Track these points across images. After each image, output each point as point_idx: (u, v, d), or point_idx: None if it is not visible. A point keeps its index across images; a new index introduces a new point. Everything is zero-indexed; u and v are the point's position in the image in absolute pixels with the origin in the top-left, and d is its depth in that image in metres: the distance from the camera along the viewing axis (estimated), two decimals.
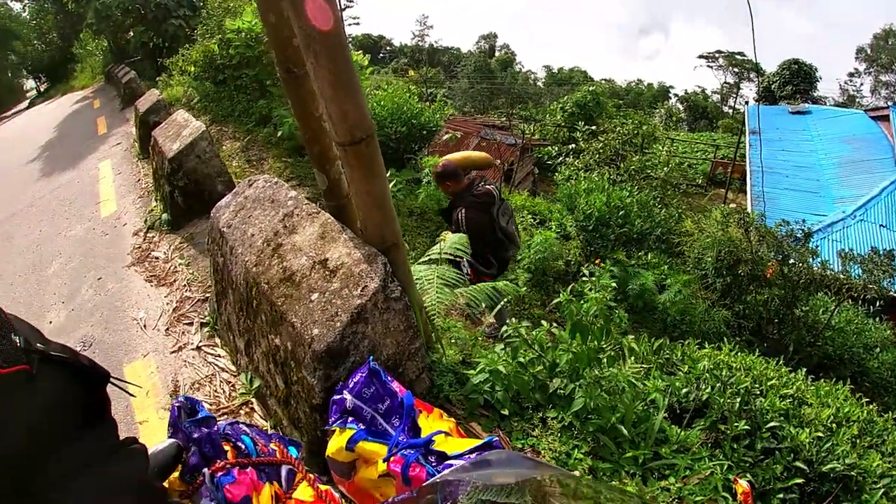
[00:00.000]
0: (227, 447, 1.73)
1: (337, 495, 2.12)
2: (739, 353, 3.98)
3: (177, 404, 1.77)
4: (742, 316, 7.31)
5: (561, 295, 2.73)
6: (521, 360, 2.79)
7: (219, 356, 3.53)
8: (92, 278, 5.16)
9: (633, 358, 3.33)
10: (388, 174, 2.57)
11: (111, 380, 0.84)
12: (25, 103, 29.65)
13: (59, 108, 17.17)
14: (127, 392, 1.42)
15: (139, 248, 5.39)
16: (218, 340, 3.68)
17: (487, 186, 3.97)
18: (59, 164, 9.78)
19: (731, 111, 48.85)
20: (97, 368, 0.79)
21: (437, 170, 4.06)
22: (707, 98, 52.34)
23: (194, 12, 13.95)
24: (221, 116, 8.72)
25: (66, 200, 7.66)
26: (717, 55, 54.21)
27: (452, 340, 3.07)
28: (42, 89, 32.17)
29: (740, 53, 52.57)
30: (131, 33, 15.01)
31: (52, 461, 0.69)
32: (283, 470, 1.77)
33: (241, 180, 5.15)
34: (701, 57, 55.18)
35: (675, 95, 54.48)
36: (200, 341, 3.74)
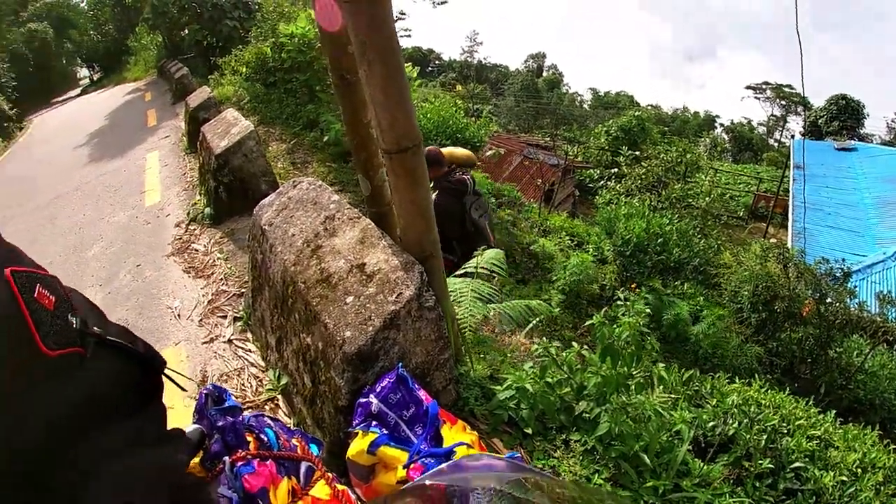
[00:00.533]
0: (249, 438, 1.75)
1: (353, 497, 2.13)
2: (769, 391, 3.89)
3: (204, 391, 1.79)
4: (775, 353, 7.11)
5: (594, 317, 2.70)
6: (549, 379, 2.77)
7: (249, 351, 3.58)
8: (131, 264, 5.31)
9: (661, 387, 3.28)
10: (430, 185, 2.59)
11: (165, 370, 0.84)
12: (77, 90, 30.79)
13: (111, 98, 17.78)
14: (178, 385, 1.44)
15: (180, 239, 5.54)
16: (250, 335, 3.74)
17: (463, 176, 3.90)
18: (107, 151, 10.11)
19: (776, 144, 47.87)
20: (154, 355, 0.78)
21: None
22: (753, 130, 51.42)
23: (249, 15, 14.29)
24: (270, 118, 8.91)
25: (111, 187, 7.92)
26: (764, 86, 53.25)
27: (481, 355, 3.07)
28: (95, 78, 33.37)
29: (788, 86, 51.58)
30: (186, 31, 15.48)
31: (86, 449, 0.68)
32: (303, 466, 1.78)
33: (284, 181, 5.26)
34: (748, 87, 54.24)
35: (721, 125, 53.74)
36: (232, 334, 3.81)
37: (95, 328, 0.72)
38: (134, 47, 24.28)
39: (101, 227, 6.53)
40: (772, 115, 53.21)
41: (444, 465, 0.96)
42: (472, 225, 3.83)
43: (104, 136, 11.60)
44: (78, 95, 27.34)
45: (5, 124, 15.92)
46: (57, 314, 0.63)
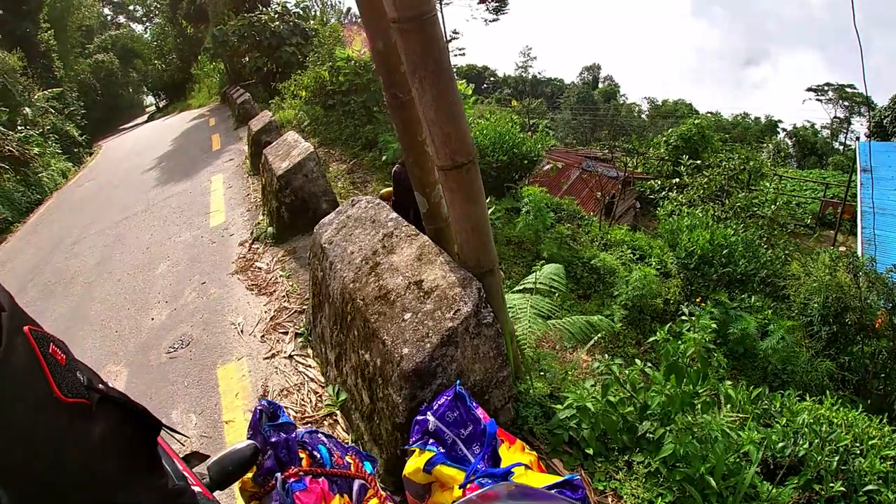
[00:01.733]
0: (302, 455, 1.76)
1: None
2: (841, 408, 3.67)
3: (259, 407, 1.82)
4: (846, 368, 6.71)
5: (657, 333, 2.62)
6: (611, 398, 2.69)
7: (309, 366, 3.65)
8: (196, 282, 5.53)
9: (728, 406, 3.14)
10: (486, 201, 2.58)
11: (163, 429, 0.89)
12: (144, 117, 32.56)
13: (177, 124, 18.68)
14: (176, 439, 1.52)
15: (243, 257, 5.73)
16: (310, 351, 3.81)
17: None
18: (173, 174, 10.60)
19: (841, 147, 45.54)
20: (150, 416, 0.84)
21: None
22: (817, 133, 49.00)
23: (306, 41, 14.77)
24: (329, 139, 9.17)
25: (177, 208, 8.29)
26: (826, 88, 50.83)
27: (541, 372, 3.02)
28: (160, 105, 35.27)
29: (850, 86, 49.09)
30: (247, 58, 16.10)
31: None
32: (356, 484, 1.78)
33: (344, 201, 5.38)
34: (809, 90, 51.93)
35: (783, 130, 51.55)
36: (293, 350, 3.89)
37: (100, 385, 0.80)
38: (197, 75, 25.47)
39: (168, 246, 6.83)
40: (835, 117, 50.67)
41: (474, 494, 0.95)
42: None
43: (170, 160, 12.17)
44: (145, 122, 28.86)
45: (75, 150, 16.86)
46: (68, 369, 0.71)
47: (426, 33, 1.95)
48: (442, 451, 2.04)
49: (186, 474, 1.30)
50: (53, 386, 0.67)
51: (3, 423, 0.61)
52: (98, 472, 0.70)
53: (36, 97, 15.59)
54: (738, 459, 2.65)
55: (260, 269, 5.34)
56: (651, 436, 2.65)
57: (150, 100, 40.73)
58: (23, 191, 11.95)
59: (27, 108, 14.49)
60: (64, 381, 0.69)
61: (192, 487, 1.16)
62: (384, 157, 7.52)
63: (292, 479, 1.62)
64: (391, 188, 4.34)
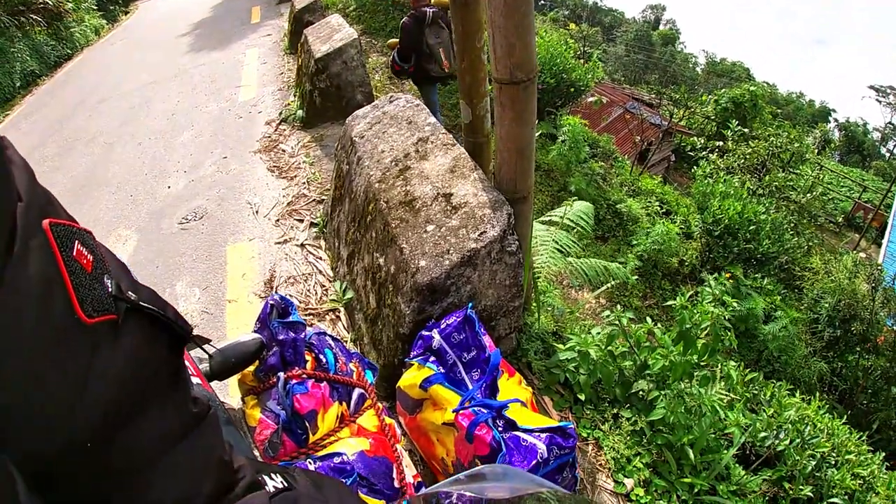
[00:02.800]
0: (308, 357, 1.73)
1: (398, 431, 2.12)
2: (826, 414, 3.69)
3: (270, 301, 1.76)
4: (838, 374, 6.74)
5: (678, 298, 2.54)
6: (613, 350, 2.66)
7: (320, 258, 3.62)
8: (217, 156, 5.44)
9: (722, 383, 3.13)
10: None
11: (191, 337, 0.74)
12: None
13: None
14: (204, 350, 1.40)
15: (269, 137, 5.60)
16: (322, 243, 3.77)
17: (426, 8, 4.77)
18: (208, 42, 10.26)
19: (888, 154, 44.00)
20: (182, 323, 0.67)
21: None
22: (867, 133, 47.25)
23: None
24: (374, 28, 8.76)
25: (207, 78, 8.07)
26: (889, 90, 48.49)
27: (548, 308, 2.98)
28: None
29: None
30: None
31: (134, 433, 0.60)
32: (355, 393, 1.75)
33: (380, 95, 5.16)
34: (871, 87, 49.55)
35: (835, 120, 49.63)
36: (306, 239, 3.85)
37: (129, 293, 0.61)
38: None
39: (194, 115, 6.69)
40: (889, 122, 48.61)
41: (461, 475, 0.89)
42: (427, 48, 4.77)
43: (207, 28, 11.72)
44: None
45: (111, 7, 16.18)
46: (94, 276, 0.55)
47: None
48: (441, 371, 2.02)
49: (188, 364, 1.24)
50: (76, 304, 0.51)
51: (7, 366, 0.47)
52: (118, 404, 0.56)
53: None
54: (719, 438, 2.66)
55: (284, 151, 5.23)
56: (644, 395, 2.64)
57: None
58: (53, 44, 11.59)
59: None
60: (89, 297, 0.53)
61: (192, 378, 1.07)
62: None
63: (295, 381, 1.59)
64: (398, 39, 4.97)
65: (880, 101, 49.11)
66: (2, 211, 0.46)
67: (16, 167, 0.50)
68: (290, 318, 1.75)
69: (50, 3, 11.75)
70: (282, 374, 1.59)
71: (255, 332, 1.72)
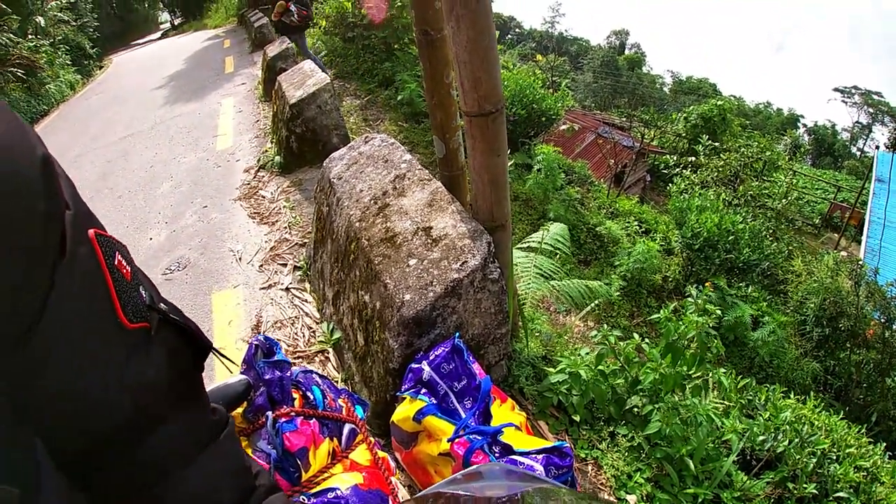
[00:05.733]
0: (295, 394, 1.73)
1: (392, 465, 2.11)
2: (823, 412, 3.72)
3: (255, 342, 1.77)
4: (831, 372, 6.79)
5: (661, 311, 2.58)
6: (604, 368, 2.68)
7: (305, 301, 3.62)
8: (198, 205, 5.45)
9: (715, 392, 3.15)
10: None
11: (212, 351, 0.77)
12: (158, 34, 31.60)
13: (191, 43, 18.13)
14: (226, 362, 1.41)
15: (248, 184, 5.63)
16: (307, 286, 3.77)
17: None
18: (183, 94, 10.36)
19: (858, 153, 45.10)
20: (203, 337, 0.71)
21: None
22: (836, 135, 48.51)
23: None
24: (346, 73, 8.92)
25: (184, 129, 8.12)
26: (853, 91, 50.02)
27: (537, 333, 3.00)
28: (175, 23, 34.16)
29: (878, 93, 48.37)
30: None
31: (163, 436, 0.64)
32: (346, 428, 1.75)
33: (356, 136, 5.23)
34: (836, 90, 51.08)
35: (804, 125, 50.91)
36: (291, 283, 3.85)
37: (161, 304, 0.66)
38: None
39: (172, 166, 6.71)
40: (857, 122, 50.00)
41: (458, 474, 0.91)
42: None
43: (181, 80, 11.86)
44: (158, 39, 28.07)
45: (86, 62, 16.40)
46: (132, 285, 0.59)
47: None
48: (433, 402, 2.02)
49: None
50: (119, 309, 0.55)
51: (59, 362, 0.50)
52: (148, 410, 0.60)
53: (49, 6, 15.02)
54: (718, 446, 2.67)
55: (264, 197, 5.25)
56: (638, 410, 2.66)
57: (165, 16, 39.43)
58: (29, 101, 11.68)
59: (40, 17, 14.00)
60: (129, 303, 0.57)
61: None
62: (399, 97, 7.33)
63: (283, 419, 1.59)
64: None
65: (846, 102, 50.62)
66: (54, 217, 0.50)
67: (61, 178, 0.54)
68: (276, 358, 1.76)
69: (24, 60, 11.89)
70: (270, 414, 1.59)
71: (241, 373, 1.72)
